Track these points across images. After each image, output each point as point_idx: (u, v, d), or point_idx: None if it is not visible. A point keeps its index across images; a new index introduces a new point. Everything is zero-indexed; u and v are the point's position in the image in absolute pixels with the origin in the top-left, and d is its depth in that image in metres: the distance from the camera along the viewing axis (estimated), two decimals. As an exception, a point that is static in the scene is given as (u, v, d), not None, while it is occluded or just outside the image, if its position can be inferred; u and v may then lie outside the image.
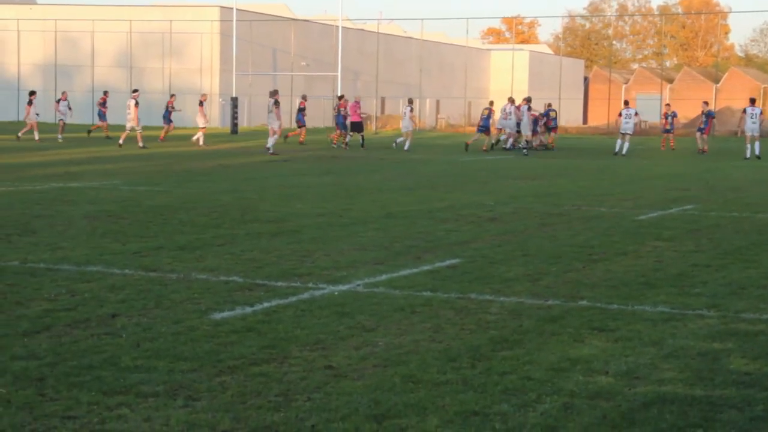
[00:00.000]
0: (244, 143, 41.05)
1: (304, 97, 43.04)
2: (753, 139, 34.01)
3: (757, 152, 33.63)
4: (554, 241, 12.30)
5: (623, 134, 36.54)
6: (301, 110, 41.72)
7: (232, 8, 54.87)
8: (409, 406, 5.48)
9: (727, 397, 5.78)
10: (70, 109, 40.25)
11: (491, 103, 40.39)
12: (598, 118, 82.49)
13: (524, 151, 35.31)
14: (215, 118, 58.35)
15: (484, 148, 37.41)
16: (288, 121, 50.90)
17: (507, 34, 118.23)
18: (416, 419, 5.27)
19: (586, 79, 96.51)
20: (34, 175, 21.75)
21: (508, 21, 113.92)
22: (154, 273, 9.45)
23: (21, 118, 60.42)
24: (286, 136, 40.75)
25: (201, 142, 37.48)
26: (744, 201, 18.18)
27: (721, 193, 20.10)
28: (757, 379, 6.16)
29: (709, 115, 39.38)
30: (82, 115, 55.43)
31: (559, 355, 6.62)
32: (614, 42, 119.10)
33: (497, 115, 39.37)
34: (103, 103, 42.62)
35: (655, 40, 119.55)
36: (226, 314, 7.70)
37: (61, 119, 39.52)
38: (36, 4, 66.91)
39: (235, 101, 52.32)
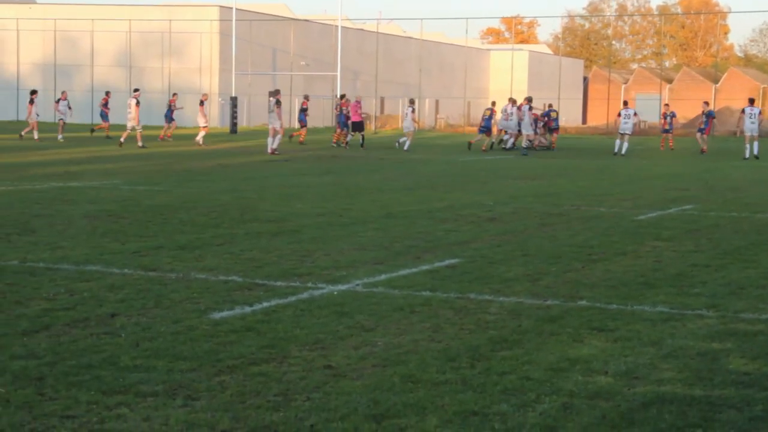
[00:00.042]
0: (244, 143, 41.05)
1: (306, 97, 43.06)
2: (752, 139, 34.02)
3: (755, 152, 33.64)
4: (554, 241, 12.30)
5: (622, 134, 36.58)
6: (304, 110, 41.73)
7: (231, 8, 54.89)
8: (409, 405, 5.48)
9: (726, 397, 5.78)
10: (70, 108, 40.25)
11: (493, 103, 40.40)
12: (597, 118, 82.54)
13: (524, 151, 35.31)
14: (214, 117, 58.32)
15: (484, 148, 37.42)
16: (287, 120, 50.93)
17: (506, 34, 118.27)
18: (415, 419, 5.27)
19: (585, 79, 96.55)
20: (33, 174, 21.75)
21: (508, 21, 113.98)
22: (153, 272, 9.45)
23: (20, 118, 60.53)
24: (290, 136, 40.74)
25: (201, 142, 37.49)
26: (743, 201, 18.18)
27: (721, 193, 20.11)
28: (756, 379, 6.16)
29: (709, 116, 39.40)
30: (82, 115, 55.46)
31: (558, 355, 6.62)
32: (613, 42, 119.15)
33: (499, 116, 39.37)
34: (105, 104, 42.61)
35: (655, 40, 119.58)
36: (225, 314, 7.70)
37: (61, 119, 39.51)
38: (35, 3, 66.91)
39: (234, 101, 52.33)
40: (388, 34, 75.21)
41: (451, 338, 7.09)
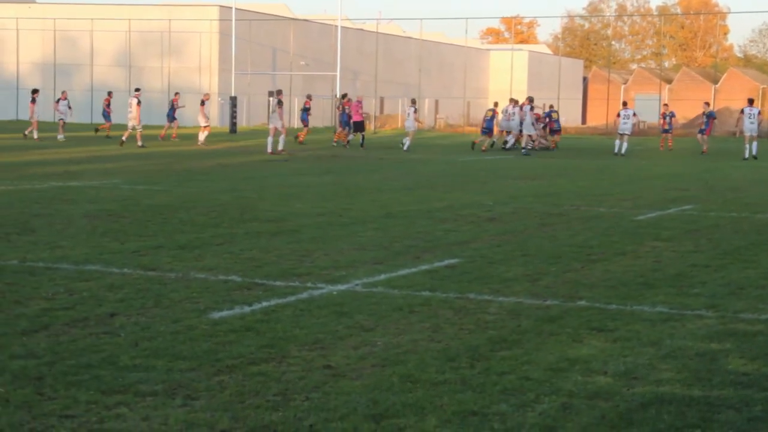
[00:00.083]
0: (243, 143, 41.05)
1: (309, 97, 43.05)
2: (751, 139, 34.04)
3: (754, 152, 33.66)
4: (553, 241, 12.30)
5: (621, 135, 36.61)
6: (306, 109, 41.71)
7: (231, 7, 54.87)
8: (408, 405, 5.48)
9: (725, 397, 5.79)
10: (70, 108, 40.23)
11: (495, 104, 40.40)
12: (597, 119, 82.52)
13: (523, 151, 35.30)
14: (214, 117, 58.31)
15: (484, 148, 37.42)
16: (287, 120, 50.91)
17: (506, 34, 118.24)
18: (414, 419, 5.27)
19: (585, 79, 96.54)
20: (33, 173, 21.74)
21: (507, 21, 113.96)
22: (153, 272, 9.45)
23: (20, 117, 60.51)
24: (296, 136, 40.72)
25: (203, 141, 37.49)
26: (743, 201, 18.18)
27: (720, 193, 20.11)
28: (755, 380, 6.16)
29: (710, 116, 39.42)
30: (81, 115, 55.42)
31: (557, 355, 6.62)
32: (613, 42, 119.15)
33: (500, 117, 39.37)
34: (108, 104, 42.56)
35: (654, 41, 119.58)
36: (224, 313, 7.70)
37: (62, 118, 39.48)
38: (35, 2, 66.87)
39: (234, 100, 52.32)
40: (387, 34, 75.20)
41: (451, 338, 7.09)
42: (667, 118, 41.42)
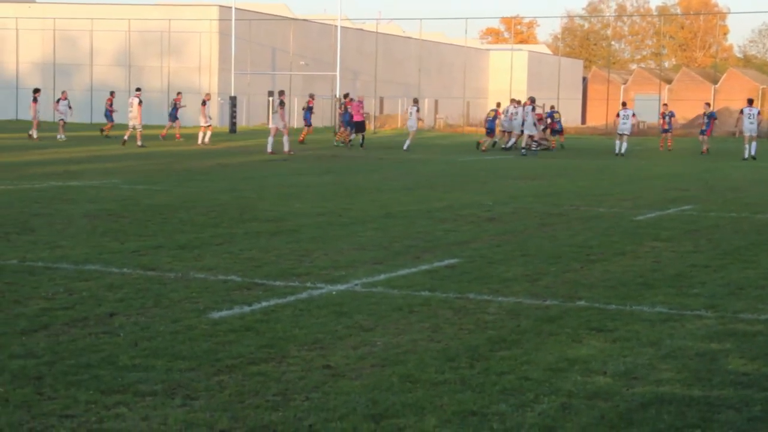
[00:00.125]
0: (243, 142, 41.05)
1: (311, 96, 43.05)
2: (751, 139, 34.07)
3: (752, 153, 33.68)
4: (553, 241, 12.30)
5: (621, 135, 36.65)
6: (310, 109, 41.69)
7: (231, 7, 54.86)
8: (407, 405, 5.48)
9: (725, 397, 5.79)
10: (70, 108, 40.20)
11: (498, 104, 40.38)
12: (596, 119, 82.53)
13: (523, 151, 35.31)
14: (214, 117, 58.32)
15: (483, 148, 37.43)
16: (289, 120, 50.87)
17: (506, 34, 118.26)
18: (414, 419, 5.27)
19: (584, 79, 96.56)
20: (33, 173, 21.74)
21: (507, 21, 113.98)
22: (152, 272, 9.45)
23: (19, 117, 60.50)
24: (300, 140, 40.71)
25: (200, 141, 37.49)
26: (743, 201, 18.19)
27: (720, 193, 20.11)
28: (755, 380, 6.16)
29: (710, 117, 39.43)
30: (81, 115, 55.42)
31: (557, 356, 6.62)
32: (613, 42, 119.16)
33: (502, 117, 39.35)
34: (111, 104, 42.51)
35: (654, 41, 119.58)
36: (224, 313, 7.70)
37: (62, 118, 39.46)
38: (35, 2, 66.86)
39: (233, 100, 52.32)
40: (387, 34, 75.20)
41: (450, 338, 7.09)
42: (667, 118, 41.43)
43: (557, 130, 40.33)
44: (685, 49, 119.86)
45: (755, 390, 5.94)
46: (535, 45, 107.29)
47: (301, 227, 13.04)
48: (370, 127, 57.75)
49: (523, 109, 36.61)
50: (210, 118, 38.85)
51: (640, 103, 74.28)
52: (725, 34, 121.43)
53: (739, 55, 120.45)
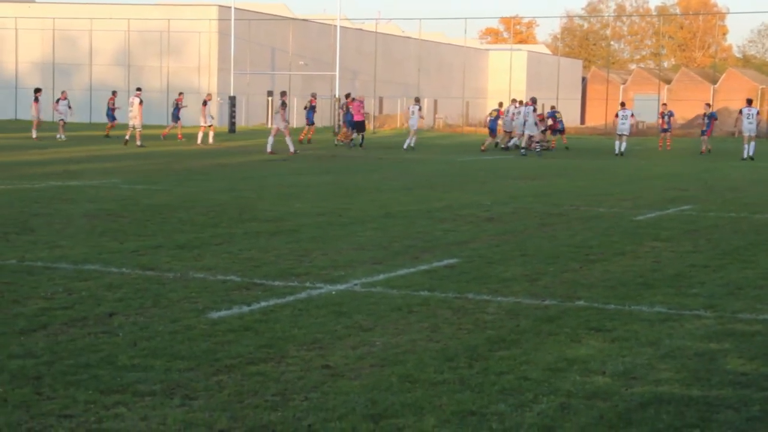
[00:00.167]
0: (242, 142, 41.04)
1: (313, 96, 43.04)
2: (750, 139, 34.10)
3: (751, 153, 33.71)
4: (552, 241, 12.30)
5: (620, 135, 36.69)
6: (312, 108, 41.66)
7: (230, 7, 54.87)
8: (406, 405, 5.48)
9: (723, 397, 5.79)
10: (70, 108, 40.17)
11: (500, 104, 40.37)
12: (595, 119, 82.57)
13: (522, 151, 35.31)
14: (214, 117, 58.31)
15: (483, 148, 37.44)
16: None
17: (505, 34, 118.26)
18: (413, 419, 5.27)
19: (584, 79, 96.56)
20: (32, 173, 21.74)
21: (507, 21, 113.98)
22: (151, 272, 9.45)
23: (19, 117, 60.48)
24: (308, 139, 40.69)
25: (199, 141, 37.48)
26: (742, 201, 18.19)
27: (719, 193, 20.12)
28: (753, 380, 6.16)
29: (711, 117, 39.45)
30: (80, 114, 55.41)
31: (556, 355, 6.62)
32: (612, 42, 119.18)
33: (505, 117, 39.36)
34: (113, 103, 42.48)
35: (653, 41, 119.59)
36: (223, 313, 7.70)
37: (62, 119, 39.44)
38: (34, 2, 66.86)
39: (233, 100, 52.32)
40: (386, 34, 75.20)
41: (449, 338, 7.09)
42: (666, 118, 41.45)
43: (559, 130, 40.32)
44: (684, 49, 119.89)
45: (754, 390, 5.95)
46: (535, 45, 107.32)
47: (301, 227, 13.04)
48: (369, 127, 57.79)
49: (525, 110, 36.60)
50: (212, 118, 38.84)
51: (640, 103, 74.31)
52: (724, 34, 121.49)
53: (738, 55, 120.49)
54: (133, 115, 35.00)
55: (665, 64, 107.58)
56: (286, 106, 33.19)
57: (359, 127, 38.67)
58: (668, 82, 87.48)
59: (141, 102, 35.31)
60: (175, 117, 40.69)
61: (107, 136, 40.73)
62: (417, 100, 38.96)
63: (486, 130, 39.82)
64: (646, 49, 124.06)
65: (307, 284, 8.98)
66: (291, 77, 63.56)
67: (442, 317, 7.76)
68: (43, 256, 10.25)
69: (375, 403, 5.51)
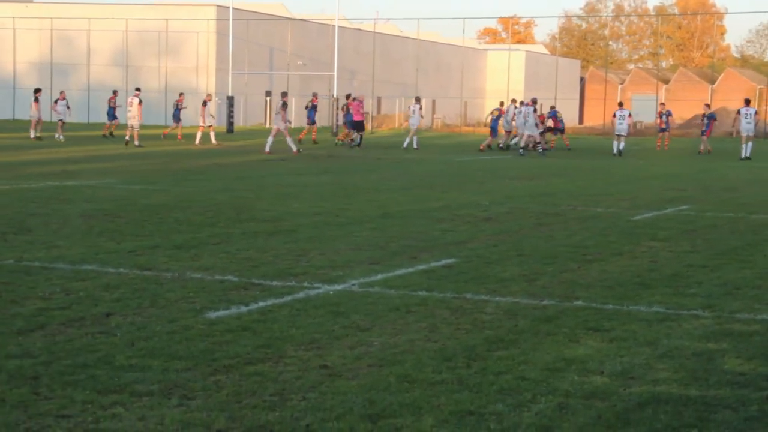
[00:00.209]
0: (241, 142, 41.03)
1: (315, 95, 43.04)
2: (748, 139, 34.15)
3: (747, 153, 33.74)
4: (550, 241, 12.30)
5: (618, 135, 36.72)
6: (314, 107, 41.65)
7: (228, 7, 54.85)
8: (404, 405, 5.48)
9: (721, 397, 5.79)
10: (68, 108, 40.14)
11: (501, 103, 40.38)
12: (594, 119, 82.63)
13: (521, 151, 35.32)
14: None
15: (482, 147, 37.45)
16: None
17: (503, 34, 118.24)
18: (411, 419, 5.27)
19: (582, 79, 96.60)
20: (30, 173, 21.73)
21: (505, 21, 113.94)
22: (149, 272, 9.44)
23: (17, 117, 60.42)
24: (312, 140, 40.69)
25: (197, 141, 37.47)
26: (739, 201, 18.20)
27: (717, 193, 20.13)
28: (751, 380, 6.16)
29: (710, 118, 39.47)
30: (78, 115, 55.38)
31: (554, 355, 6.62)
32: (610, 42, 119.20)
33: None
34: (114, 102, 42.44)
35: (651, 41, 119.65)
36: (221, 313, 7.69)
37: (60, 119, 39.41)
38: (32, 2, 66.84)
39: (231, 100, 52.32)
40: (385, 34, 75.21)
41: (447, 338, 7.09)
42: (664, 117, 41.48)
43: (560, 129, 40.35)
44: (682, 49, 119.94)
45: (752, 390, 5.95)
46: (533, 45, 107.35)
47: (299, 227, 13.03)
48: (368, 127, 57.81)
49: (525, 110, 36.60)
50: (213, 117, 38.84)
51: (638, 103, 74.38)
52: (722, 34, 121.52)
53: (737, 55, 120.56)
54: (131, 115, 35.05)
55: (663, 64, 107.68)
56: (287, 107, 33.22)
57: (358, 126, 38.69)
58: (666, 82, 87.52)
59: (140, 102, 35.40)
60: (176, 117, 40.68)
61: (106, 135, 40.69)
62: (417, 100, 38.98)
63: (487, 130, 39.78)
64: (644, 49, 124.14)
65: (305, 284, 8.98)
66: (289, 77, 63.55)
67: (440, 317, 7.75)
68: (40, 256, 10.24)
69: (373, 403, 5.51)
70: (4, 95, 63.47)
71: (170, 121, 41.49)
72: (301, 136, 40.33)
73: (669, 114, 41.92)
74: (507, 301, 8.41)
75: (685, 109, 69.34)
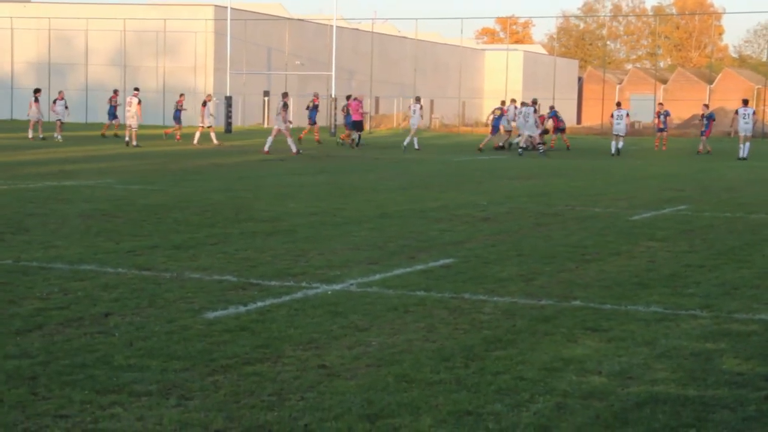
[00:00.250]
0: (239, 142, 41.02)
1: (316, 95, 43.03)
2: (746, 139, 34.18)
3: (745, 154, 33.78)
4: (548, 241, 12.31)
5: (616, 135, 36.74)
6: (315, 107, 41.63)
7: (226, 7, 54.84)
8: (403, 405, 5.48)
9: (719, 397, 5.79)
10: (66, 108, 40.10)
11: (502, 102, 40.39)
12: (592, 119, 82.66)
13: (520, 151, 35.32)
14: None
15: (481, 146, 37.44)
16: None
17: (501, 34, 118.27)
18: (409, 419, 5.27)
19: (580, 79, 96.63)
20: (28, 173, 21.71)
21: (503, 21, 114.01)
22: (147, 272, 9.44)
23: (14, 117, 60.38)
24: (316, 140, 40.66)
25: (195, 141, 37.46)
26: (737, 201, 18.21)
27: (715, 193, 20.14)
28: (749, 380, 6.17)
29: (709, 118, 39.50)
30: (76, 115, 55.37)
31: (552, 355, 6.63)
32: (608, 42, 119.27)
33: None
34: (115, 102, 42.40)
35: (649, 41, 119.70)
36: (219, 313, 7.69)
37: (59, 119, 39.38)
38: (30, 2, 66.79)
39: (229, 100, 52.31)
40: (383, 34, 75.21)
41: (446, 338, 7.09)
42: (662, 117, 41.51)
43: (561, 129, 40.37)
44: (680, 49, 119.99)
45: (750, 390, 5.95)
46: (531, 45, 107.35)
47: (297, 227, 13.04)
48: (366, 127, 57.81)
49: (525, 110, 36.60)
50: (213, 117, 38.84)
51: (636, 103, 74.43)
52: (720, 34, 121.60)
53: (735, 55, 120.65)
54: (130, 115, 35.06)
55: (661, 64, 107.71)
56: (287, 107, 33.22)
57: (357, 126, 38.70)
58: (664, 82, 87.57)
59: (140, 102, 35.44)
60: (177, 118, 40.66)
61: (105, 135, 40.68)
62: (417, 99, 38.99)
63: (487, 129, 39.78)
64: (642, 49, 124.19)
65: (303, 284, 8.98)
66: (287, 77, 63.54)
67: (438, 317, 7.76)
68: (38, 256, 10.23)
69: (371, 403, 5.51)
70: (1, 95, 63.44)
71: (168, 121, 41.49)
72: (301, 136, 40.32)
73: (667, 114, 41.95)
74: (505, 301, 8.42)
75: (683, 109, 69.37)
